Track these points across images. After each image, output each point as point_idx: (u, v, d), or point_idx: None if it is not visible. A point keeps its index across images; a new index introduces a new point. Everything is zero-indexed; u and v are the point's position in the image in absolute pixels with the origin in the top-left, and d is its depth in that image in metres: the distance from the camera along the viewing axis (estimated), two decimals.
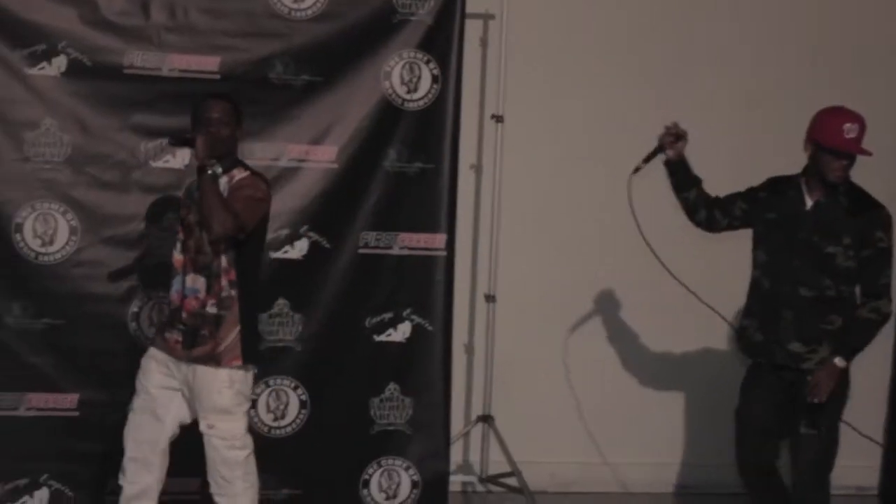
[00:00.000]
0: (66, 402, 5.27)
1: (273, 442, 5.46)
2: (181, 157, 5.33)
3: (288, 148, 5.47)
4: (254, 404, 5.35)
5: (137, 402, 4.71)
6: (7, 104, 5.18)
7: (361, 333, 5.59)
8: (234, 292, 4.56)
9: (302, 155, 5.48)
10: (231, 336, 4.56)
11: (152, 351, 4.72)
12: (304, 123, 5.48)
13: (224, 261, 4.55)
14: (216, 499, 4.66)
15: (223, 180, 4.56)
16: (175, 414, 4.69)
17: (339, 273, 5.54)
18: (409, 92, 5.58)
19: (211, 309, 4.55)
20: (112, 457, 4.88)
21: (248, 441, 4.66)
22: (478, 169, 6.07)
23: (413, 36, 5.56)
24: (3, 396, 5.23)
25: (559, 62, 6.11)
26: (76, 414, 5.29)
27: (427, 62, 5.59)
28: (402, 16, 5.51)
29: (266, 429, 5.48)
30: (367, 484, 5.59)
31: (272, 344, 5.45)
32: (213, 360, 4.55)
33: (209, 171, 4.46)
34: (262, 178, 4.70)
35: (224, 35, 5.38)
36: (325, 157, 5.51)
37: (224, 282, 4.55)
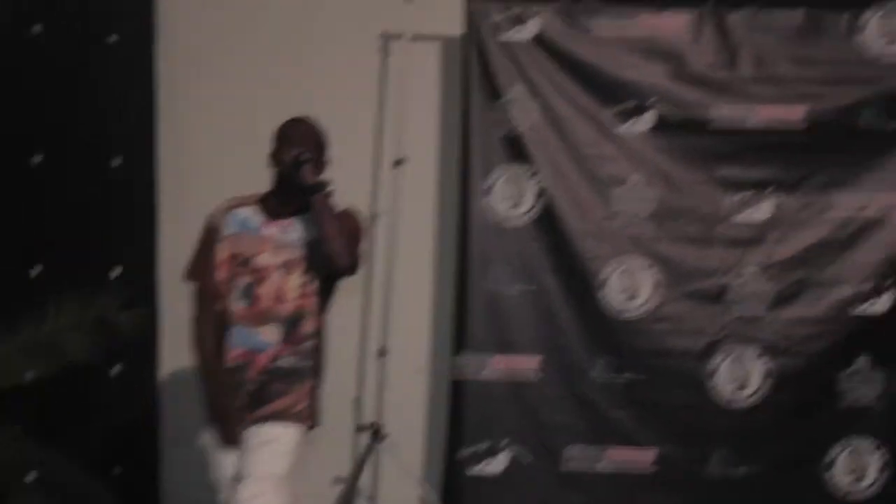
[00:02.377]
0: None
1: None
2: (765, 211, 5.21)
3: (875, 197, 5.21)
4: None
5: None
6: (597, 161, 5.24)
7: None
8: (317, 341, 4.00)
9: (890, 204, 5.21)
10: (303, 392, 3.96)
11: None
12: (892, 171, 5.20)
13: (314, 304, 3.98)
14: None
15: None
16: None
17: None
18: None
19: (288, 361, 3.96)
20: None
21: None
22: None
23: None
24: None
25: None
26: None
27: None
28: None
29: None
30: None
31: (850, 404, 5.21)
32: (283, 416, 3.92)
33: (325, 190, 3.87)
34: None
35: (811, 83, 5.21)
36: None
37: (310, 328, 3.97)
